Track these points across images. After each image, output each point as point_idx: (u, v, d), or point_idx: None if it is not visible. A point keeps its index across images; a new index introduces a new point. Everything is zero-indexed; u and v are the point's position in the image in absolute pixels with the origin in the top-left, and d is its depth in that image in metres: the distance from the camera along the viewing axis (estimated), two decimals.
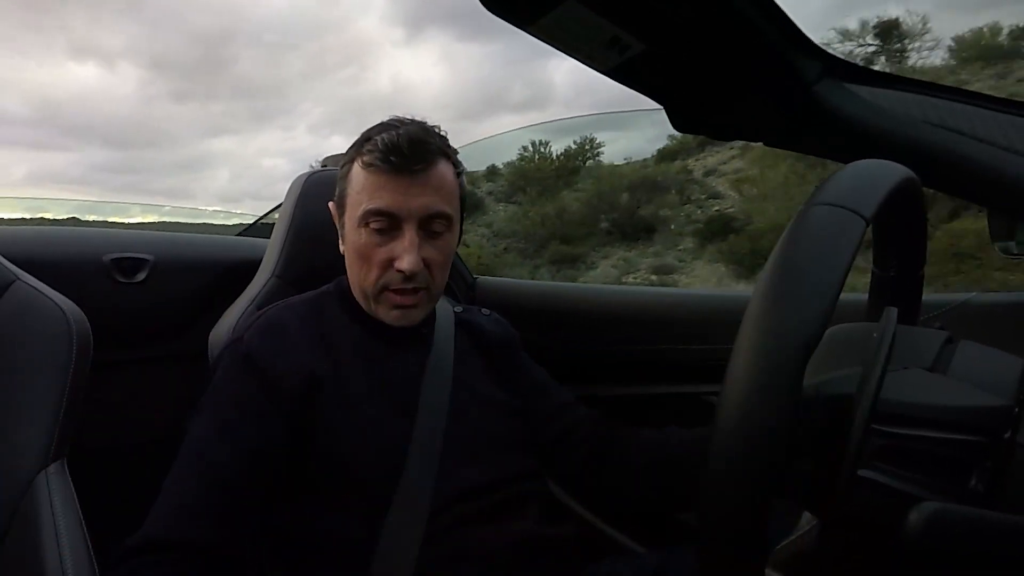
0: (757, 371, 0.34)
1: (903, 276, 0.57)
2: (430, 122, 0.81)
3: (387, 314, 0.80)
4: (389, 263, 0.78)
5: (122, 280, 1.10)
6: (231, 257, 1.22)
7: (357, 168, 0.79)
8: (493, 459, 0.81)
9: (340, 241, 0.85)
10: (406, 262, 0.76)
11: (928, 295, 0.60)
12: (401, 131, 0.76)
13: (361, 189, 0.78)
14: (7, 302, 0.69)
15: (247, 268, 1.08)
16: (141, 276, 1.12)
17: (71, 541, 0.57)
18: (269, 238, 1.07)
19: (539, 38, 0.60)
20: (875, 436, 0.40)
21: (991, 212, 0.78)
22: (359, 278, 0.81)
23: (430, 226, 0.79)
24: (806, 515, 0.53)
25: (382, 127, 0.79)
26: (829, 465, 0.40)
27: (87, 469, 0.68)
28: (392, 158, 0.75)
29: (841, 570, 0.47)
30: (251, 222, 1.77)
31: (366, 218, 0.77)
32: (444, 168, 0.80)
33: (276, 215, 1.10)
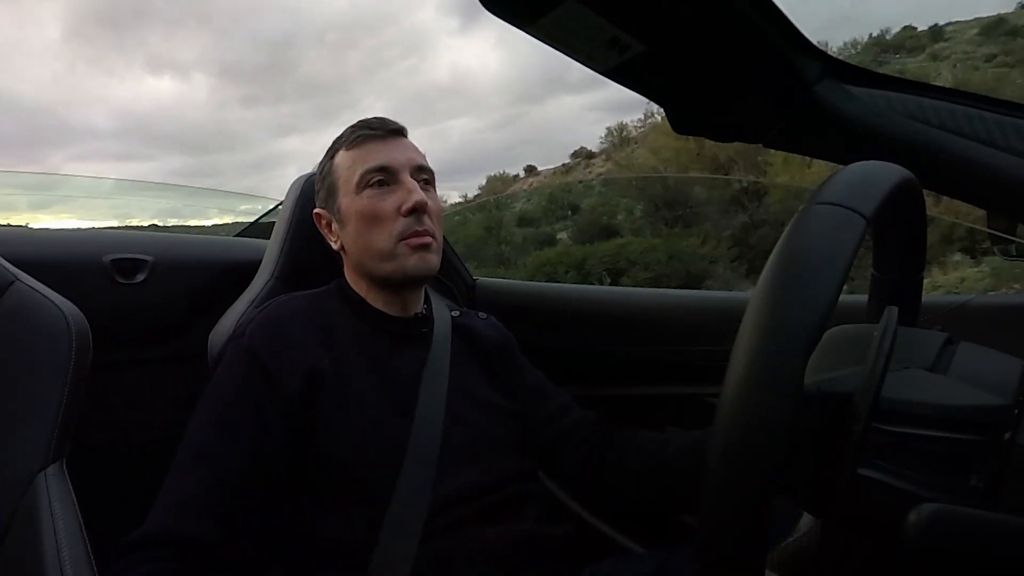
0: (757, 369, 0.34)
1: (902, 279, 0.57)
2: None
3: (408, 262, 0.82)
4: (396, 212, 0.82)
5: (121, 281, 1.10)
6: (231, 258, 1.22)
7: (341, 154, 0.87)
8: (491, 460, 0.81)
9: (332, 240, 0.88)
10: (413, 197, 0.82)
11: (928, 296, 0.60)
12: (367, 118, 0.88)
13: (352, 163, 0.85)
14: (6, 303, 0.69)
15: (247, 269, 1.08)
16: (140, 277, 1.12)
17: (70, 542, 0.56)
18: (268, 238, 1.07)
19: (539, 38, 0.60)
20: (875, 434, 0.40)
21: (990, 213, 0.78)
22: (371, 241, 0.83)
23: (420, 177, 0.85)
24: (806, 516, 0.53)
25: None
26: (829, 463, 0.40)
27: (87, 469, 0.68)
28: (373, 126, 0.86)
29: (841, 571, 0.47)
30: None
31: (364, 179, 0.83)
32: (412, 142, 0.89)
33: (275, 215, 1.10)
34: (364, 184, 0.83)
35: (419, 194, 0.82)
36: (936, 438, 0.40)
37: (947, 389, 0.42)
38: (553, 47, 0.62)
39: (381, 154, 0.84)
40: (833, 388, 0.43)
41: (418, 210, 0.81)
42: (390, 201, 0.82)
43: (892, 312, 0.43)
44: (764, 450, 0.33)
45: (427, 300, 0.92)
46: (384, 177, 0.83)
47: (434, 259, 0.84)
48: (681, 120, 0.75)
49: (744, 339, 0.36)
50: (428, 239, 0.83)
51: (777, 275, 0.37)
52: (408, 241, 0.82)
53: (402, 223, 0.81)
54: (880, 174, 0.43)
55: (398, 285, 0.85)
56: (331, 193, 0.87)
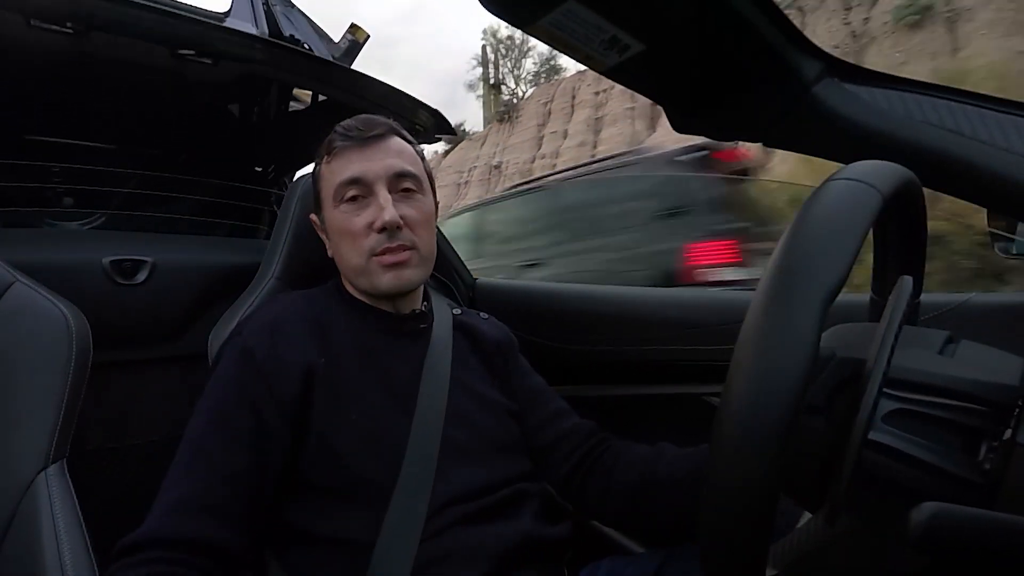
0: (773, 323, 0.35)
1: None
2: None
3: (382, 279, 0.81)
4: (370, 228, 0.80)
5: (121, 282, 1.10)
6: (231, 259, 1.22)
7: (324, 163, 0.85)
8: (492, 459, 0.81)
9: (327, 247, 0.88)
10: (384, 214, 0.79)
11: (927, 295, 0.59)
12: (352, 118, 0.85)
13: (330, 174, 0.83)
14: (6, 304, 0.69)
15: (247, 269, 1.08)
16: (141, 277, 1.12)
17: (70, 542, 0.57)
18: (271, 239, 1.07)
19: (538, 38, 0.60)
20: (887, 400, 0.41)
21: (990, 213, 0.78)
22: (348, 256, 0.82)
23: (400, 186, 0.83)
24: (806, 515, 0.53)
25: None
26: (841, 427, 0.41)
27: (87, 470, 0.68)
28: (349, 134, 0.83)
29: (840, 565, 0.47)
30: None
31: (339, 193, 0.81)
32: (399, 141, 0.85)
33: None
34: (339, 198, 0.82)
35: (390, 212, 0.79)
36: (947, 406, 0.41)
37: (956, 366, 0.43)
38: (553, 47, 0.62)
39: (355, 165, 0.81)
40: (847, 353, 0.45)
41: (388, 229, 0.80)
42: (363, 216, 0.81)
43: (906, 282, 0.45)
44: (774, 414, 0.33)
45: (426, 297, 0.92)
46: (357, 191, 0.81)
47: (412, 274, 0.82)
48: (681, 120, 0.75)
49: (760, 296, 0.36)
50: (403, 255, 0.81)
51: (792, 243, 0.38)
52: (380, 259, 0.80)
53: (374, 239, 0.80)
54: (894, 166, 0.45)
55: (377, 298, 0.85)
56: (318, 202, 0.87)
